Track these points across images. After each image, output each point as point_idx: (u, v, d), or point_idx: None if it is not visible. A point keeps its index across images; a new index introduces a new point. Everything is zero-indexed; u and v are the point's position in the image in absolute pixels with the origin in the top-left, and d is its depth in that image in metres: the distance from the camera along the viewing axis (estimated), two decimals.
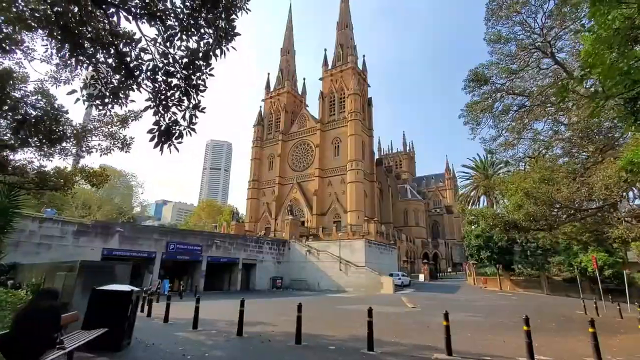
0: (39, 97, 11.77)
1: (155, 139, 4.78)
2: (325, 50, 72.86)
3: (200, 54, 4.68)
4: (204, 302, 18.90)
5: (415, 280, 44.55)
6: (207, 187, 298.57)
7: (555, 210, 13.58)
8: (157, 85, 4.86)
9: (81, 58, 5.22)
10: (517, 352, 7.45)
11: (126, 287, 6.30)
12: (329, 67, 71.16)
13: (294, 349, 7.16)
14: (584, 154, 17.84)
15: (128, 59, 4.78)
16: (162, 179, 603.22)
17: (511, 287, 36.30)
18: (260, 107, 79.44)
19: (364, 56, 73.83)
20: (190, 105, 4.83)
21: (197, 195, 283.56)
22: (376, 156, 78.85)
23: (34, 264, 14.66)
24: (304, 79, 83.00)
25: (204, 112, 4.86)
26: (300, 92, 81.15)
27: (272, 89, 79.86)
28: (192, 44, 4.81)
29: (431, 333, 10.06)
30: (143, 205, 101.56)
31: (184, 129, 4.86)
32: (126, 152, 13.39)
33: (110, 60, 5.13)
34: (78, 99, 4.95)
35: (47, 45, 6.70)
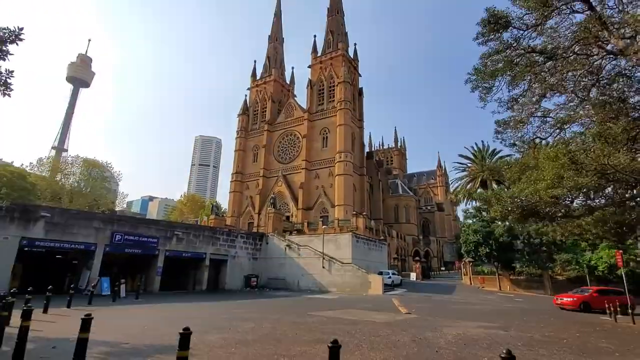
0: None
1: None
2: (315, 36, 68.93)
3: None
4: (145, 307, 13.83)
5: (406, 279, 41.14)
6: (195, 183, 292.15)
7: (607, 183, 10.04)
8: None
9: None
10: None
11: None
12: (319, 54, 67.19)
13: None
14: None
15: None
16: (150, 175, 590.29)
17: (511, 288, 33.15)
18: (246, 95, 75.09)
19: (355, 44, 70.18)
20: None
21: (185, 191, 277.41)
22: (366, 149, 75.17)
23: None
24: (292, 68, 79.26)
25: None
26: (288, 82, 76.98)
27: (258, 77, 75.50)
28: None
29: None
30: (123, 197, 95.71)
31: None
32: (5, 93, 9.26)
33: None
34: None
35: None
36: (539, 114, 19.27)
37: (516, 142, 20.05)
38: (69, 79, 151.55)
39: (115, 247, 19.99)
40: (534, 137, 19.73)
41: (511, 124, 18.28)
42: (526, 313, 16.91)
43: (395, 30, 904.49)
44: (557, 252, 30.56)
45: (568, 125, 18.84)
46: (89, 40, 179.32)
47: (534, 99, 16.45)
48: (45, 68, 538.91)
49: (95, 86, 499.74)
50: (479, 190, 42.40)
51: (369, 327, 10.44)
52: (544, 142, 19.90)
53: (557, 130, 19.17)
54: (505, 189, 30.60)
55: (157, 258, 22.24)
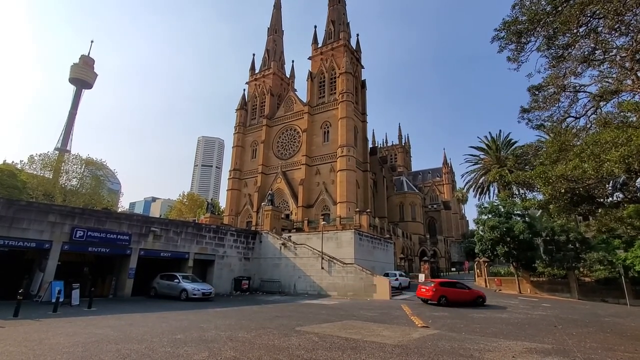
0: None
1: None
2: (315, 27, 65.97)
3: None
4: (85, 320, 10.79)
5: (415, 281, 37.88)
6: (197, 184, 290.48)
7: None
8: None
9: None
10: None
11: None
12: (319, 45, 64.18)
13: None
14: None
15: None
16: (153, 177, 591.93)
17: (532, 290, 29.85)
18: (244, 90, 72.30)
19: (357, 35, 67.17)
20: None
21: (184, 191, 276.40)
22: (370, 145, 71.91)
23: None
24: (293, 61, 76.14)
25: None
26: (288, 75, 74.06)
27: (257, 71, 72.68)
28: None
29: None
30: (119, 195, 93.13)
31: None
32: None
33: None
34: None
35: None
36: (571, 88, 16.37)
37: (544, 123, 17.13)
38: (72, 80, 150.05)
39: (76, 246, 17.07)
40: (566, 116, 16.76)
41: (548, 90, 15.24)
42: (569, 324, 13.74)
43: (402, 28, 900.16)
44: (585, 251, 27.20)
45: (605, 103, 15.87)
46: (92, 41, 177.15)
47: (580, 54, 13.43)
48: (49, 69, 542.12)
49: (98, 87, 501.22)
50: (492, 185, 39.12)
51: (376, 352, 7.40)
52: (574, 123, 16.96)
53: (593, 108, 16.21)
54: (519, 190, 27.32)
55: (130, 258, 19.29)
